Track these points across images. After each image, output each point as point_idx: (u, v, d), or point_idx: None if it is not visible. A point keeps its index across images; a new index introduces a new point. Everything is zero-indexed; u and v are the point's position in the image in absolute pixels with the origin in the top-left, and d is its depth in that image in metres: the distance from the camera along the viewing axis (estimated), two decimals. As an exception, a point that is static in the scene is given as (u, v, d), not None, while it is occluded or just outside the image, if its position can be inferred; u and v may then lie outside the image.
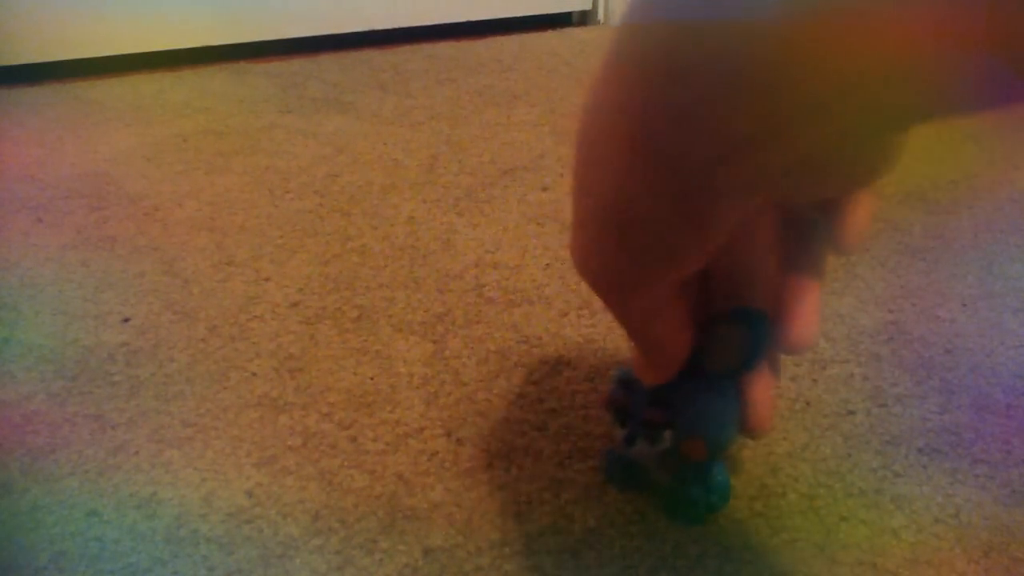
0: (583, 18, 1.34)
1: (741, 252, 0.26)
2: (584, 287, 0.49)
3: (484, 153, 0.72)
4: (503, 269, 0.52)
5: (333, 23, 1.14)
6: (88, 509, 0.33)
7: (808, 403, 0.39)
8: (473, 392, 0.40)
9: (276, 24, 1.10)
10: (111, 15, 1.01)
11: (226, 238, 0.57)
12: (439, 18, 1.20)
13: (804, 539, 0.31)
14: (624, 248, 0.21)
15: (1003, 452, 0.35)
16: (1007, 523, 0.32)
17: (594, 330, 0.45)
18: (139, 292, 0.50)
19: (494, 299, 0.48)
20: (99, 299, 0.49)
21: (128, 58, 1.03)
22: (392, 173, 0.68)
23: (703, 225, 0.20)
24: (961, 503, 0.33)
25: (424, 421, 0.38)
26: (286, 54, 1.10)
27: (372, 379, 0.41)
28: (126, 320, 0.47)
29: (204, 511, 0.33)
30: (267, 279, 0.51)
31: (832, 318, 0.46)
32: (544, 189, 0.64)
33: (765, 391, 0.29)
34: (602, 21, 1.32)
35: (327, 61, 1.07)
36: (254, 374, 0.42)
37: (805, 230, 0.27)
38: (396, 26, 1.17)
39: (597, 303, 0.47)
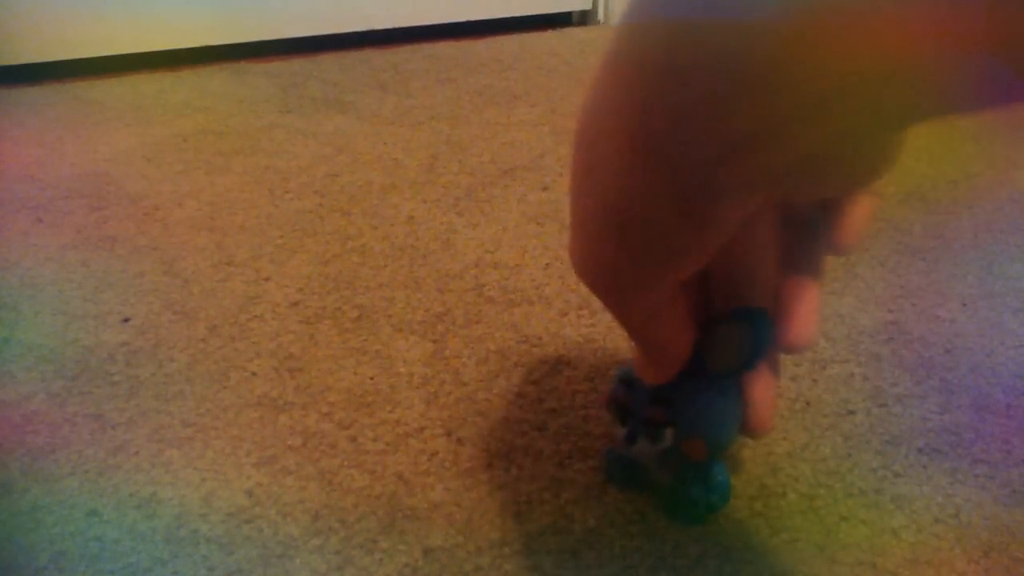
0: (583, 18, 1.34)
1: (741, 252, 0.26)
2: (584, 287, 0.49)
3: (484, 153, 0.72)
4: (503, 269, 0.52)
5: (333, 23, 1.14)
6: (88, 509, 0.33)
7: (808, 403, 0.39)
8: (473, 392, 0.40)
9: (276, 24, 1.10)
10: (111, 15, 1.01)
11: (226, 238, 0.57)
12: (439, 18, 1.20)
13: (804, 539, 0.31)
14: (624, 249, 0.21)
15: (1003, 452, 0.35)
16: (1007, 523, 0.32)
17: (594, 330, 0.45)
18: (139, 292, 0.50)
19: (494, 299, 0.48)
20: (99, 299, 0.49)
21: (128, 58, 1.03)
22: (392, 173, 0.68)
23: (703, 225, 0.20)
24: (961, 503, 0.33)
25: (424, 421, 0.38)
26: (286, 54, 1.10)
27: (372, 379, 0.41)
28: (126, 320, 0.47)
29: (204, 511, 0.33)
30: (267, 279, 0.51)
31: (832, 318, 0.46)
32: (544, 189, 0.64)
33: (766, 391, 0.29)
34: (602, 21, 1.32)
35: (327, 61, 1.07)
36: (254, 374, 0.42)
37: (804, 230, 0.27)
38: (396, 26, 1.17)
39: (597, 303, 0.47)
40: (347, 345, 0.44)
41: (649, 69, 0.17)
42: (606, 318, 0.46)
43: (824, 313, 0.46)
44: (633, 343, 0.27)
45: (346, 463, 0.35)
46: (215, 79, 0.99)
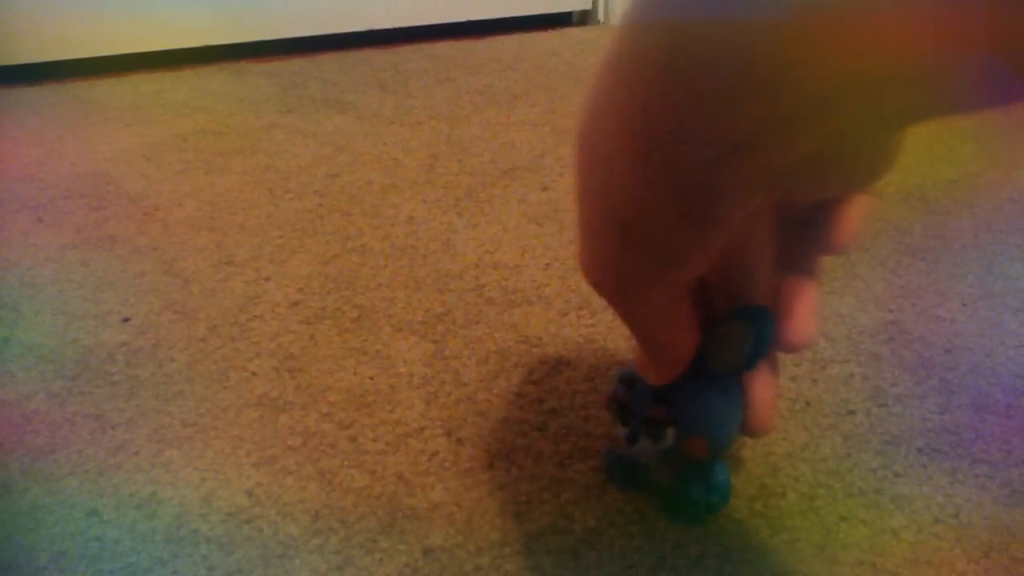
0: (583, 18, 1.34)
1: (739, 251, 0.26)
2: (584, 287, 0.49)
3: (484, 153, 0.72)
4: (503, 269, 0.52)
5: (333, 23, 1.14)
6: (88, 509, 0.33)
7: (808, 403, 0.39)
8: (473, 392, 0.40)
9: (276, 24, 1.10)
10: (111, 15, 1.01)
11: (226, 238, 0.57)
12: (439, 18, 1.20)
13: (804, 539, 0.31)
14: (627, 249, 0.21)
15: (1003, 452, 0.35)
16: (1007, 523, 0.32)
17: (594, 330, 0.45)
18: (139, 292, 0.50)
19: (494, 299, 0.48)
20: (99, 299, 0.49)
21: (128, 58, 1.03)
22: (392, 173, 0.68)
23: (703, 225, 0.20)
24: (961, 503, 0.33)
25: (424, 421, 0.38)
26: (286, 54, 1.10)
27: (372, 379, 0.41)
28: (126, 320, 0.47)
29: (204, 511, 0.33)
30: (267, 279, 0.51)
31: (832, 318, 0.46)
32: (544, 189, 0.64)
33: (766, 390, 0.29)
34: (602, 21, 1.32)
35: (327, 61, 1.07)
36: (254, 374, 0.42)
37: (801, 229, 0.27)
38: (396, 26, 1.17)
39: (597, 303, 0.47)
40: (347, 345, 0.44)
41: (650, 69, 0.17)
42: (606, 318, 0.46)
43: (824, 313, 0.46)
44: (636, 344, 0.27)
45: (346, 463, 0.35)
46: (215, 79, 0.99)
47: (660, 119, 0.17)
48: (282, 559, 0.31)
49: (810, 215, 0.27)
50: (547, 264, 0.52)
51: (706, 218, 0.19)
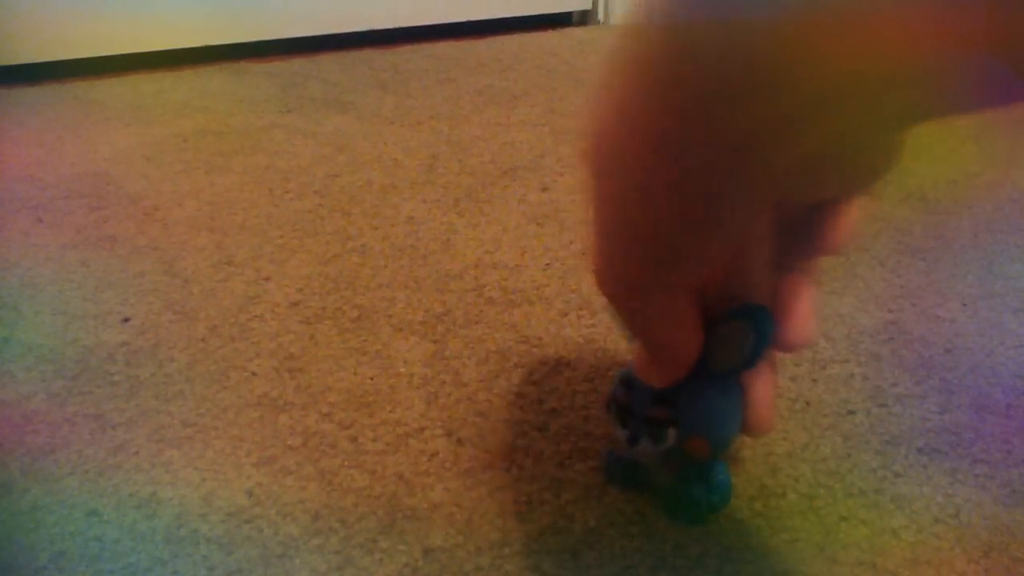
0: (583, 18, 1.34)
1: (738, 251, 0.26)
2: (584, 287, 0.49)
3: (484, 153, 0.72)
4: (503, 269, 0.52)
5: (333, 23, 1.14)
6: (88, 509, 0.33)
7: (808, 403, 0.39)
8: (473, 392, 0.40)
9: (276, 24, 1.10)
10: (111, 15, 1.01)
11: (226, 238, 0.57)
12: (439, 18, 1.20)
13: (804, 539, 0.31)
14: (635, 252, 0.21)
15: (1003, 452, 0.35)
16: (1007, 523, 0.32)
17: (594, 330, 0.45)
18: (139, 292, 0.50)
19: (494, 299, 0.48)
20: (99, 299, 0.49)
21: (128, 58, 1.03)
22: (392, 173, 0.68)
23: (710, 226, 0.20)
24: (961, 503, 0.33)
25: (424, 421, 0.38)
26: (286, 54, 1.10)
27: (372, 379, 0.41)
28: (126, 320, 0.47)
29: (204, 511, 0.33)
30: (267, 279, 0.51)
31: (832, 318, 0.46)
32: (544, 189, 0.64)
33: (766, 390, 0.29)
34: (602, 21, 1.32)
35: (327, 61, 1.07)
36: (254, 374, 0.42)
37: (801, 229, 0.27)
38: (396, 26, 1.17)
39: (597, 303, 0.47)
40: (347, 345, 0.44)
41: (653, 72, 0.17)
42: (606, 318, 0.46)
43: (824, 313, 0.46)
44: (639, 347, 0.27)
45: (346, 463, 0.35)
46: (215, 79, 0.99)
47: (662, 120, 0.17)
48: (282, 559, 0.31)
49: (809, 215, 0.27)
50: (547, 264, 0.52)
51: (711, 219, 0.19)
